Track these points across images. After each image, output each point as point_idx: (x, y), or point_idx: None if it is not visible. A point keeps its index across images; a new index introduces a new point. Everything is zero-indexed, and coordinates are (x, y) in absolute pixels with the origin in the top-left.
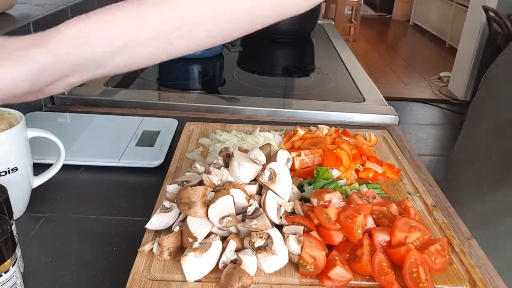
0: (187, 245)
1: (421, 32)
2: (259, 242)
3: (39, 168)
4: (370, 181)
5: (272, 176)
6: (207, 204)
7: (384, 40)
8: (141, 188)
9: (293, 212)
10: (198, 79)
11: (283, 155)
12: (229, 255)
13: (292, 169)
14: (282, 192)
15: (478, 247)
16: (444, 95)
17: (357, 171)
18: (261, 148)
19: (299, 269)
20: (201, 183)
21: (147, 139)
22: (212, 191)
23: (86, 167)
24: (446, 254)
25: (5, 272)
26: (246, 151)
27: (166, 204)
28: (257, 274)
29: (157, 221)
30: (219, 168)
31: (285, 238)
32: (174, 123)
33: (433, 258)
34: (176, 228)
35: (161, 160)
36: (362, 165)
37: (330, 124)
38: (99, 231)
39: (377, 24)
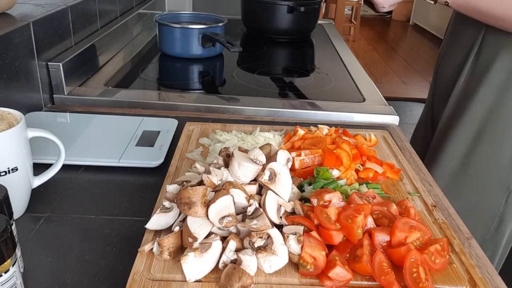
0: (187, 245)
1: (421, 32)
2: (259, 242)
3: (39, 168)
4: (370, 181)
5: (272, 176)
6: (207, 204)
7: (384, 40)
8: (141, 188)
9: (293, 212)
10: (198, 79)
11: (283, 155)
12: (229, 255)
13: (292, 169)
14: (282, 192)
15: (478, 247)
16: None
17: (357, 171)
18: (261, 148)
19: (299, 269)
20: (201, 183)
21: (147, 139)
22: (212, 191)
23: (86, 167)
24: (446, 254)
25: (5, 272)
26: (246, 151)
27: (166, 204)
28: (257, 274)
29: (157, 221)
30: (219, 168)
31: (285, 238)
32: (174, 123)
33: (433, 258)
34: (176, 228)
35: (161, 160)
36: (362, 165)
37: (330, 124)
38: (99, 231)
39: (377, 24)
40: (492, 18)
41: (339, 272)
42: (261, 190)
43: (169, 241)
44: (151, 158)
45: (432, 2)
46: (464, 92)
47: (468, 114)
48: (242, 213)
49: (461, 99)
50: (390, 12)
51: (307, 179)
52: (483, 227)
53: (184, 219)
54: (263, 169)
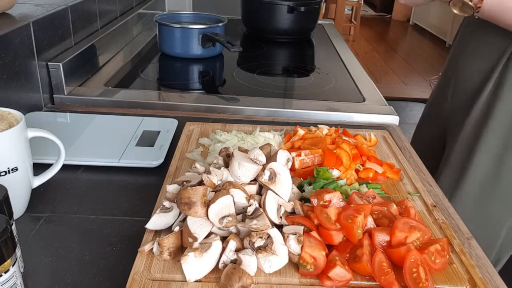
0: (187, 245)
1: (421, 32)
2: (259, 242)
3: (39, 168)
4: (370, 181)
5: (272, 176)
6: (207, 204)
7: (384, 40)
8: (141, 188)
9: (293, 212)
10: (198, 79)
11: (283, 155)
12: (229, 255)
13: (292, 169)
14: (282, 192)
15: (478, 247)
16: None
17: (357, 171)
18: (261, 148)
19: (299, 269)
20: (201, 183)
21: (147, 139)
22: (212, 191)
23: (86, 167)
24: (446, 254)
25: (5, 272)
26: (246, 151)
27: (166, 204)
28: (257, 274)
29: (157, 221)
30: (219, 168)
31: (285, 238)
32: (174, 123)
33: (433, 258)
34: (176, 228)
35: (161, 160)
36: (362, 165)
37: (330, 124)
38: (99, 231)
39: (377, 24)
40: None
41: (339, 272)
42: (261, 190)
43: (169, 241)
44: (151, 158)
45: (467, 14)
46: (492, 99)
47: (495, 121)
48: (242, 213)
49: (488, 105)
50: (390, 12)
51: (307, 179)
52: (498, 235)
53: (184, 219)
54: (263, 169)
